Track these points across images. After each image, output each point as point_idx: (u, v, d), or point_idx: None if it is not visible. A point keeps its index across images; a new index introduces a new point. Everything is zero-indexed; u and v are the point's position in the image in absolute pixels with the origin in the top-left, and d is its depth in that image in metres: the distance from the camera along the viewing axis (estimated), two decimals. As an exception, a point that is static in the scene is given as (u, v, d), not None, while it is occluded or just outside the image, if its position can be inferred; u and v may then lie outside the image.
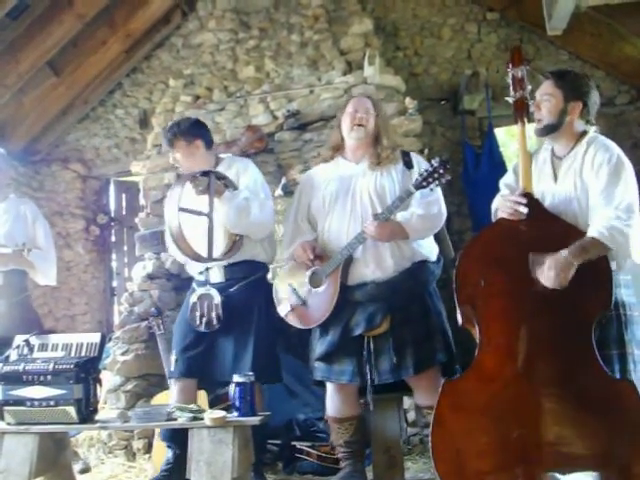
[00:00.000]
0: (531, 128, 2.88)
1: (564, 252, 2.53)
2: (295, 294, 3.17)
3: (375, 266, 3.06)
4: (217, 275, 3.43)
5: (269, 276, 4.79)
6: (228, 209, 3.24)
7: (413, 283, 3.06)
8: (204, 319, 3.32)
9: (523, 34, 6.27)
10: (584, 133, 2.78)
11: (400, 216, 3.03)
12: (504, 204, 2.75)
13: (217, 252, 3.28)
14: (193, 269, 3.59)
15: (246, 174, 3.43)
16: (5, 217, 3.97)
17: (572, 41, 5.99)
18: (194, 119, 3.64)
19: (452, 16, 6.47)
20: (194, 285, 3.54)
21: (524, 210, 2.67)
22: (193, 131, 3.45)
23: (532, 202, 2.71)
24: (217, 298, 3.32)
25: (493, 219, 2.94)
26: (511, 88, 2.84)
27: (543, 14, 5.02)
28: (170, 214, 3.19)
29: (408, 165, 3.19)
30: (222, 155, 3.66)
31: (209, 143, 3.52)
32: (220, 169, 3.45)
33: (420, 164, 3.18)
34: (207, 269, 3.45)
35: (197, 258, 3.24)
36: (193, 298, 3.39)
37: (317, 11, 5.79)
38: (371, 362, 3.02)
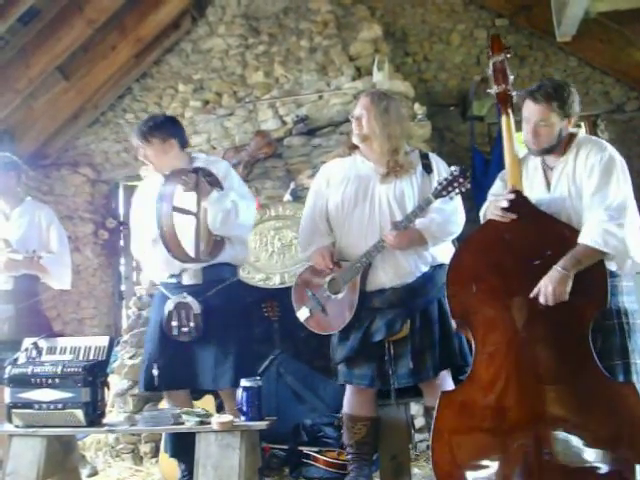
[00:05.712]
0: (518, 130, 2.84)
1: (558, 267, 2.50)
2: (314, 299, 3.15)
3: (394, 273, 3.05)
4: (192, 277, 3.27)
5: (277, 280, 4.83)
6: (216, 211, 3.15)
7: (431, 287, 3.06)
8: (183, 329, 3.18)
9: (532, 40, 6.27)
10: (572, 136, 2.73)
11: (419, 223, 3.00)
12: (491, 206, 2.74)
13: (202, 252, 3.17)
14: (162, 273, 3.38)
15: (229, 175, 3.35)
16: (20, 221, 3.98)
17: (581, 47, 5.99)
18: (170, 117, 3.55)
19: (461, 22, 6.48)
20: (163, 289, 3.35)
21: (512, 216, 2.65)
22: (169, 130, 3.33)
23: (521, 200, 2.65)
24: (196, 308, 3.18)
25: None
26: (493, 80, 2.81)
27: (552, 20, 5.02)
28: (163, 213, 3.04)
29: (427, 169, 3.15)
30: (195, 154, 3.54)
31: (184, 143, 3.41)
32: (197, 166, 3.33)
33: (440, 169, 3.14)
34: (181, 272, 3.29)
35: (186, 259, 3.12)
36: (169, 307, 3.22)
37: (326, 17, 5.81)
38: (392, 366, 3.02)
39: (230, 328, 3.24)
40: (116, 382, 4.80)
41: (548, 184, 2.74)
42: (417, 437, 4.27)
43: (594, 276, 2.52)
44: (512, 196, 2.66)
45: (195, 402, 3.80)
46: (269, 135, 5.26)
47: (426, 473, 3.91)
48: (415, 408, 4.02)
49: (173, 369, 3.23)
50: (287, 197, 5.01)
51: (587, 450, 2.42)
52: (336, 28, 5.77)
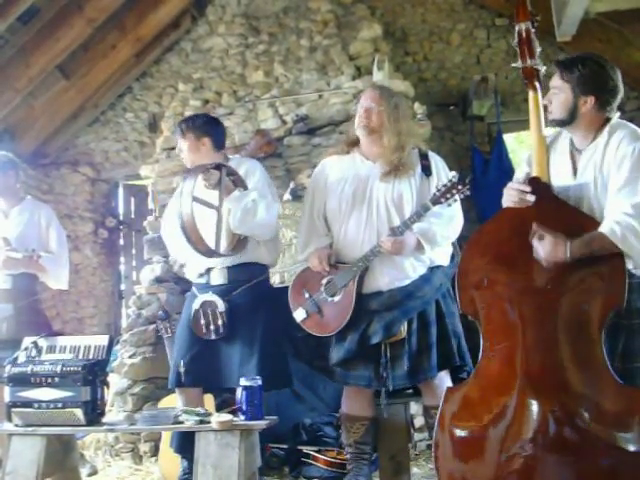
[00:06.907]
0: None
1: (568, 244, 2.39)
2: (311, 301, 3.15)
3: (391, 276, 3.04)
4: (219, 277, 3.33)
5: (277, 280, 4.83)
6: (235, 209, 3.17)
7: (428, 288, 3.05)
8: (209, 327, 3.24)
9: (532, 40, 6.26)
10: (607, 121, 2.55)
11: (417, 228, 2.98)
12: (508, 192, 2.63)
13: (223, 247, 3.20)
14: (193, 271, 3.47)
15: (255, 175, 3.37)
16: (19, 219, 3.98)
17: (581, 47, 5.95)
18: (211, 117, 3.62)
19: (461, 21, 6.48)
20: (194, 290, 3.43)
21: (530, 198, 2.53)
22: (204, 128, 3.40)
23: (540, 187, 2.54)
24: (221, 306, 3.24)
25: None
26: (518, 52, 2.66)
27: (552, 20, 5.01)
28: (183, 203, 3.06)
29: (427, 171, 3.11)
30: (230, 156, 3.59)
31: (218, 144, 3.45)
32: None
33: (440, 171, 3.11)
34: (208, 270, 3.36)
35: (205, 250, 3.13)
36: (195, 305, 3.30)
37: (326, 16, 5.81)
38: (388, 368, 3.01)
39: (255, 327, 3.27)
40: (116, 381, 4.81)
41: (575, 170, 2.59)
42: (416, 436, 4.27)
43: (612, 272, 2.40)
44: (527, 187, 2.56)
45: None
46: (269, 134, 5.26)
47: (426, 472, 3.92)
48: (414, 408, 4.02)
49: (199, 366, 3.27)
50: (287, 196, 5.01)
51: (596, 450, 2.35)
52: (336, 27, 5.77)
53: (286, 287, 3.36)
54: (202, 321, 3.26)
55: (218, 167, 3.22)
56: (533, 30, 2.66)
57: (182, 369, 3.26)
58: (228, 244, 3.25)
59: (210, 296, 3.28)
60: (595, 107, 2.54)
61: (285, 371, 3.39)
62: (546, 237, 2.44)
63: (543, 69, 2.66)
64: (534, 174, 2.62)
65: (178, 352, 3.37)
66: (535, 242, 2.47)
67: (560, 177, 2.61)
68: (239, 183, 3.27)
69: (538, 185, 2.56)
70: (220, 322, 3.23)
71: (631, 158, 2.42)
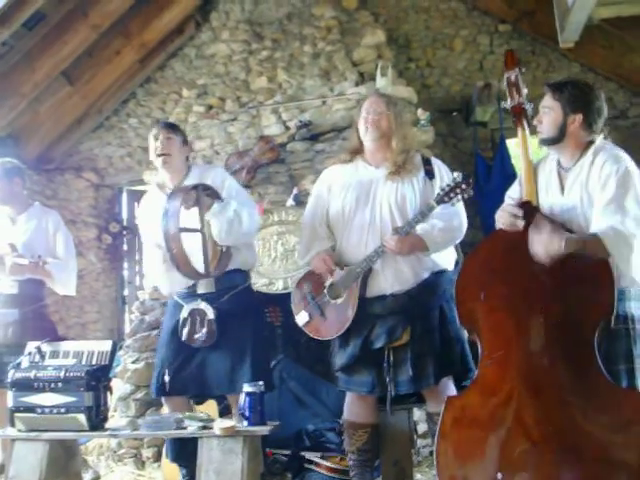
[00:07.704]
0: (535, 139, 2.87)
1: (567, 234, 2.50)
2: (313, 304, 3.15)
3: (394, 279, 3.04)
4: (206, 286, 3.30)
5: (280, 285, 4.84)
6: (219, 223, 3.16)
7: (432, 293, 3.05)
8: (198, 335, 3.22)
9: (535, 46, 6.28)
10: (590, 143, 2.69)
11: (420, 229, 2.98)
12: (501, 215, 2.75)
13: (211, 269, 3.20)
14: (175, 286, 3.39)
15: (226, 182, 3.37)
16: (26, 226, 3.98)
17: (584, 53, 5.99)
18: None
19: (464, 28, 6.48)
20: (178, 299, 3.38)
21: (520, 223, 2.65)
22: (187, 141, 3.55)
23: (531, 210, 2.67)
24: (210, 313, 3.22)
25: None
26: (507, 94, 2.87)
27: (555, 26, 5.02)
28: (171, 235, 3.05)
29: (430, 174, 3.13)
30: (191, 163, 3.63)
31: (187, 158, 3.56)
32: (193, 176, 3.39)
33: (442, 174, 3.12)
34: (193, 282, 3.32)
35: (196, 277, 3.17)
36: (183, 313, 3.27)
37: (330, 22, 5.82)
38: (391, 374, 3.01)
39: (245, 332, 3.27)
40: (119, 386, 4.81)
41: (562, 188, 2.72)
42: (420, 443, 4.27)
43: (602, 282, 2.50)
44: (519, 211, 2.68)
45: (198, 406, 3.81)
46: (272, 140, 5.27)
47: (429, 479, 3.91)
48: (418, 414, 4.02)
49: (184, 375, 3.27)
50: (290, 202, 5.01)
51: (592, 455, 2.40)
52: (339, 34, 5.79)
53: (288, 293, 3.36)
54: (190, 329, 3.24)
55: (194, 187, 3.21)
56: (520, 76, 2.89)
57: (167, 378, 3.25)
58: (215, 260, 3.24)
59: (199, 304, 3.26)
60: (582, 126, 2.68)
61: (271, 375, 3.45)
62: (545, 227, 2.55)
63: (530, 107, 2.85)
64: (524, 199, 2.77)
65: (162, 361, 3.34)
66: (532, 233, 2.58)
67: (549, 195, 2.76)
68: (214, 195, 3.25)
69: (528, 208, 2.70)
70: (208, 329, 3.22)
71: (616, 177, 2.55)
